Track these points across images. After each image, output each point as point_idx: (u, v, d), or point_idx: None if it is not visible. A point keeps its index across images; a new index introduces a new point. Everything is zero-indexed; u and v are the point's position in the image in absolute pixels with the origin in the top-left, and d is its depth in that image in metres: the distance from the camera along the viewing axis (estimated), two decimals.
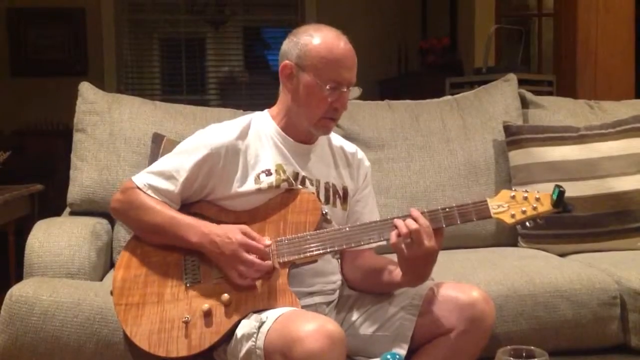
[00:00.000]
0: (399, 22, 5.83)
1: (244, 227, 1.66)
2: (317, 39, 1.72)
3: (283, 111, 1.79)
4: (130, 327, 1.63)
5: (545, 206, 1.64)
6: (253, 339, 1.50)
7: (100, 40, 5.72)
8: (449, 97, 2.72)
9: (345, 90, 1.72)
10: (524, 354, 1.05)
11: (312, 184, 1.79)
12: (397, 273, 1.69)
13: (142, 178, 1.74)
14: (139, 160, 2.22)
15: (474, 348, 1.64)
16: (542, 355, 1.04)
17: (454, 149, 2.48)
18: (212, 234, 1.64)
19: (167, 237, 1.70)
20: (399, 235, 1.58)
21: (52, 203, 2.89)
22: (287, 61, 1.74)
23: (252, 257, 1.61)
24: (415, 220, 1.58)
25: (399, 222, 1.60)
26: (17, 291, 1.75)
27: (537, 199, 1.65)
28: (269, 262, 1.62)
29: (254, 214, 1.73)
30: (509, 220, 1.65)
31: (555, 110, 2.61)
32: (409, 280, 1.66)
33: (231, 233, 1.63)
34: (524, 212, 1.64)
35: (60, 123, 5.09)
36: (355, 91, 2.75)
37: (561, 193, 1.62)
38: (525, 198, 1.65)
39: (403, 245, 1.58)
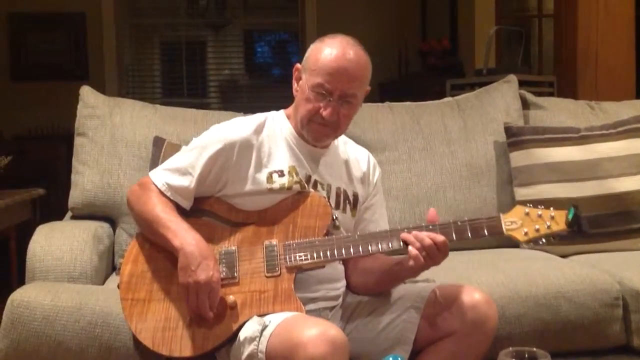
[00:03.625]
0: (398, 25, 5.82)
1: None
2: (323, 44, 1.72)
3: (294, 113, 1.80)
4: (136, 323, 1.63)
5: (560, 225, 1.61)
6: (255, 342, 1.50)
7: (101, 44, 5.72)
8: (450, 98, 2.72)
9: (331, 100, 1.68)
10: (526, 356, 1.05)
11: (323, 188, 1.78)
12: (400, 269, 1.69)
13: (159, 175, 1.75)
14: (140, 164, 2.22)
15: (477, 350, 1.64)
16: (545, 356, 1.04)
17: (455, 150, 2.48)
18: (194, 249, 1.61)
19: (151, 232, 1.70)
20: (415, 249, 1.59)
21: (54, 207, 2.89)
22: (298, 64, 1.77)
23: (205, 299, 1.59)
24: (431, 239, 1.59)
25: (412, 239, 1.60)
26: (18, 296, 1.74)
27: (552, 217, 1.61)
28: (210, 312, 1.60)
29: (263, 215, 1.73)
30: (522, 238, 1.62)
31: (556, 111, 2.61)
32: (414, 274, 1.68)
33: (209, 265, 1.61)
34: (537, 230, 1.61)
35: (61, 127, 5.09)
36: None
37: (577, 215, 1.59)
38: (540, 216, 1.62)
39: (421, 258, 1.59)
